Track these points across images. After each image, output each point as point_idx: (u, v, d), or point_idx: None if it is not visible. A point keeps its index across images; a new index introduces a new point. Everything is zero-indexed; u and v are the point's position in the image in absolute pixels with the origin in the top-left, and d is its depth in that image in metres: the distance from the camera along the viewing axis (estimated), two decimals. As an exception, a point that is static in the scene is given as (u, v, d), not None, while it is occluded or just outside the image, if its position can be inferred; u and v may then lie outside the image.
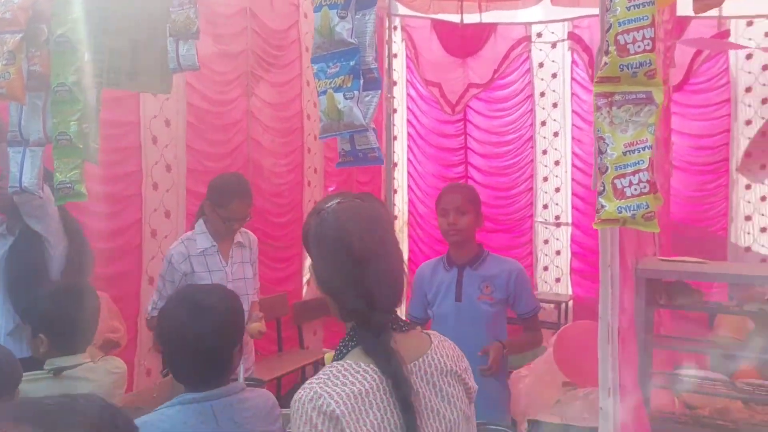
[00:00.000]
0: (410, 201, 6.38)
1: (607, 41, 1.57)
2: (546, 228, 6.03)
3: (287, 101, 4.90)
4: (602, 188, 1.59)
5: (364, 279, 1.25)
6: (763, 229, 5.30)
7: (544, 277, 6.07)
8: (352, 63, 1.88)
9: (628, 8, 1.54)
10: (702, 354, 3.83)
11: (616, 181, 1.56)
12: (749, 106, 5.23)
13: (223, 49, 4.39)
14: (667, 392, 3.06)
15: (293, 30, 4.83)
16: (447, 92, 6.01)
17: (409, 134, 6.35)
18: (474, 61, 5.96)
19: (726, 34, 5.17)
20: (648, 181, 1.55)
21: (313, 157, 5.26)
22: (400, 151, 6.35)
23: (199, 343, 1.53)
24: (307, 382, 1.22)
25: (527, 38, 5.83)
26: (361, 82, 1.90)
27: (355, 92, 1.88)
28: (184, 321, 1.54)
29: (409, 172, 6.38)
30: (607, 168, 1.58)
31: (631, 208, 1.55)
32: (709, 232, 5.38)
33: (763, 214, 5.30)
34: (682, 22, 5.04)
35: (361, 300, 1.25)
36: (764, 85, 5.17)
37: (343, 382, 1.19)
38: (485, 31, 5.87)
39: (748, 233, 5.33)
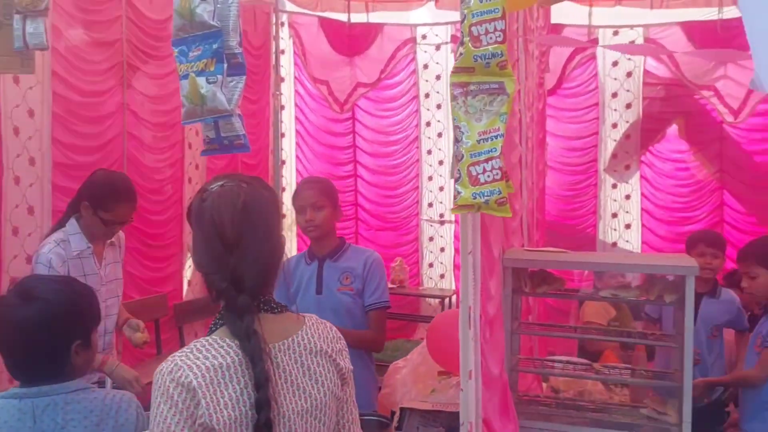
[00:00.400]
0: (299, 199, 6.32)
1: (462, 32, 1.63)
2: (431, 226, 6.18)
3: (167, 94, 4.71)
4: (458, 175, 1.64)
5: (232, 262, 1.29)
6: (627, 226, 5.70)
7: (429, 274, 6.22)
8: (215, 46, 1.84)
9: (481, 0, 1.60)
10: (571, 340, 4.07)
11: (471, 168, 1.62)
12: (615, 110, 5.61)
13: (96, 37, 4.17)
14: (536, 377, 3.22)
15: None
16: (335, 90, 6.02)
17: (297, 132, 6.30)
18: (361, 60, 6.01)
19: (595, 42, 5.52)
20: (500, 168, 1.61)
21: (194, 152, 5.09)
22: (289, 148, 6.28)
23: (25, 333, 1.44)
24: (171, 355, 1.26)
25: (413, 40, 5.95)
26: (225, 66, 1.86)
27: (219, 76, 1.84)
28: (10, 308, 1.44)
29: (297, 170, 6.33)
30: (462, 156, 1.63)
31: (485, 194, 1.61)
32: (579, 229, 5.71)
33: (627, 212, 5.69)
34: (557, 29, 5.33)
35: (228, 282, 1.29)
36: (628, 90, 5.55)
37: (205, 356, 1.24)
38: (372, 31, 5.94)
39: (615, 229, 5.71)
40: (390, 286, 5.85)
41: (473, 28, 1.60)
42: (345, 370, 1.42)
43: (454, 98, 1.64)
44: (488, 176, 1.61)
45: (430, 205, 6.17)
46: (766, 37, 1.45)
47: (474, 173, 1.61)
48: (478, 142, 1.62)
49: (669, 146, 5.59)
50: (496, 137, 1.61)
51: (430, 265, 6.21)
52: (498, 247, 2.49)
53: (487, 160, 1.61)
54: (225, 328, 1.30)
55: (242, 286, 1.29)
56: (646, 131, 5.56)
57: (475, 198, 1.62)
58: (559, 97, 5.68)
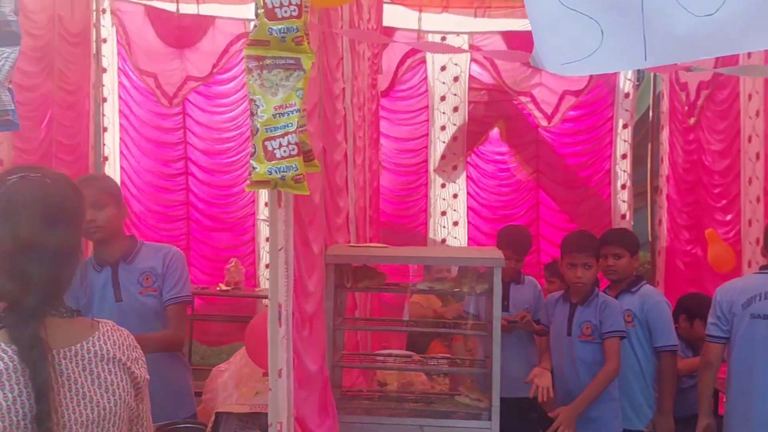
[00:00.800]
0: (124, 198, 5.92)
1: (256, 4, 1.58)
2: (267, 225, 6.05)
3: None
4: (254, 150, 1.59)
5: (20, 262, 1.22)
6: (455, 223, 5.98)
7: (266, 274, 6.09)
8: (-14, 18, 1.64)
9: (273, -27, 1.56)
10: (404, 334, 4.19)
11: (266, 143, 1.56)
12: (444, 113, 5.87)
13: None
14: (362, 372, 3.26)
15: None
16: (163, 83, 5.71)
17: (121, 126, 5.89)
18: (192, 53, 5.76)
19: (460, 49, 5.72)
20: (297, 144, 1.58)
21: (-5, 146, 4.57)
22: (112, 143, 5.86)
23: None
24: None
25: (246, 35, 5.80)
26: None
27: (-11, 50, 1.64)
28: None
29: (122, 167, 5.91)
30: (257, 130, 1.57)
31: (281, 170, 1.57)
32: (412, 227, 5.91)
33: (455, 210, 5.97)
34: (389, 32, 5.47)
35: (14, 282, 1.22)
36: (455, 94, 5.83)
37: None
38: (203, 23, 5.71)
39: (444, 227, 5.97)
40: (224, 288, 5.67)
41: (267, 0, 1.55)
42: (140, 379, 1.36)
43: (249, 71, 1.58)
44: (284, 151, 1.56)
45: (267, 204, 6.04)
46: (545, 15, 1.56)
47: (270, 148, 1.56)
48: (274, 116, 1.57)
49: (492, 148, 5.95)
50: (292, 112, 1.57)
51: (267, 266, 6.09)
52: (319, 243, 2.48)
53: (283, 135, 1.56)
54: (4, 331, 1.21)
55: (31, 288, 1.22)
56: (471, 133, 5.87)
57: (270, 174, 1.57)
58: (392, 100, 5.83)
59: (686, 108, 4.94)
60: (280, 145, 1.55)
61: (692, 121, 4.83)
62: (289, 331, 1.93)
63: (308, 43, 1.60)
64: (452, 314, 3.75)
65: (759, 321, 2.46)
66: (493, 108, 5.85)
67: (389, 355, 2.93)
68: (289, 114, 1.56)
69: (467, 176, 5.97)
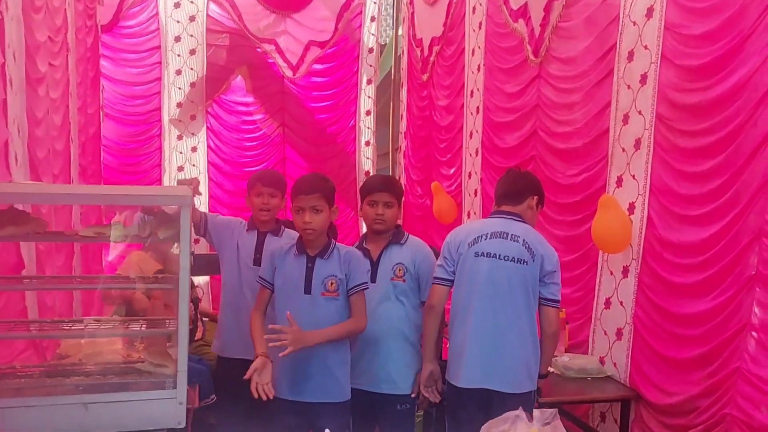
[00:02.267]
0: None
1: None
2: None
3: None
4: None
5: None
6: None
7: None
8: None
9: None
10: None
11: None
12: (179, 55, 5.29)
13: None
14: (34, 345, 2.71)
15: None
16: None
17: None
18: None
19: None
20: None
21: None
22: None
23: None
24: None
25: None
26: None
27: None
28: None
29: None
30: None
31: None
32: (143, 183, 5.29)
33: (194, 165, 5.48)
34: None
35: None
36: (192, 35, 5.29)
37: None
38: None
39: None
40: None
41: None
42: None
43: None
44: None
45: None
46: None
47: None
48: None
49: (235, 97, 5.53)
50: None
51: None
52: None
53: None
54: None
55: None
56: (211, 80, 5.39)
57: None
58: (115, 36, 5.11)
59: (420, 64, 4.99)
60: None
61: (425, 77, 4.88)
62: None
63: None
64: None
65: (482, 259, 2.38)
66: (235, 53, 5.42)
67: (56, 321, 2.41)
68: None
69: (208, 128, 5.50)
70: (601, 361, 3.00)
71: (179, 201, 2.17)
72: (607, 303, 3.01)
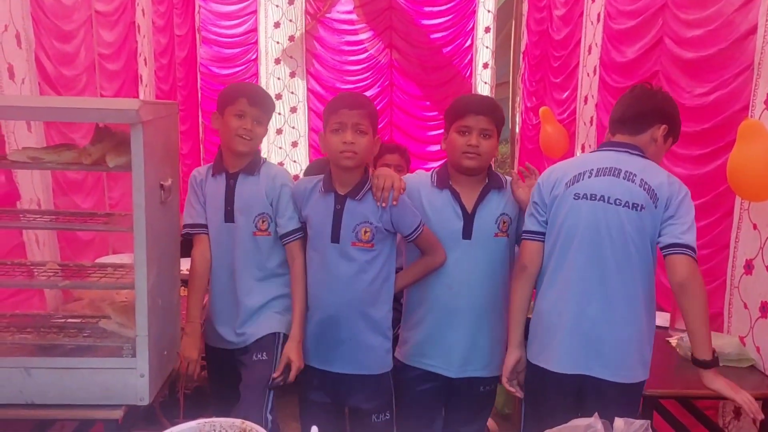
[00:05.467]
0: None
1: None
2: None
3: None
4: None
5: None
6: (293, 109, 5.14)
7: None
8: None
9: None
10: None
11: None
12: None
13: None
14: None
15: None
16: None
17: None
18: None
19: None
20: None
21: None
22: None
23: None
24: None
25: None
26: None
27: None
28: None
29: None
30: None
31: None
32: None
33: (292, 92, 5.09)
34: None
35: None
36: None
37: None
38: None
39: (280, 114, 5.10)
40: None
41: None
42: None
43: None
44: None
45: None
46: None
47: None
48: None
49: (338, 14, 5.00)
50: None
51: None
52: None
53: None
54: None
55: None
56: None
57: None
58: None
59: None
60: None
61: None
62: None
63: None
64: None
65: (583, 202, 1.69)
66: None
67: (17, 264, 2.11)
68: None
69: (307, 50, 5.06)
70: (741, 342, 2.18)
71: (126, 117, 1.70)
72: (748, 266, 2.17)
